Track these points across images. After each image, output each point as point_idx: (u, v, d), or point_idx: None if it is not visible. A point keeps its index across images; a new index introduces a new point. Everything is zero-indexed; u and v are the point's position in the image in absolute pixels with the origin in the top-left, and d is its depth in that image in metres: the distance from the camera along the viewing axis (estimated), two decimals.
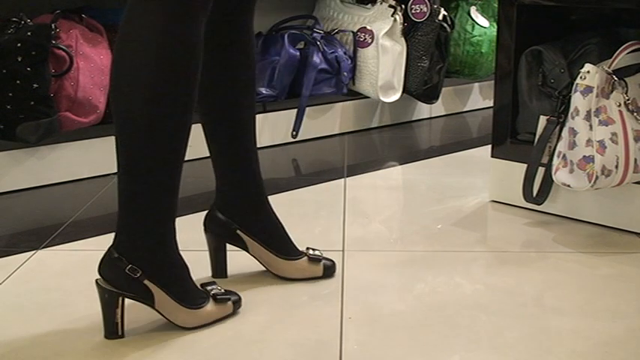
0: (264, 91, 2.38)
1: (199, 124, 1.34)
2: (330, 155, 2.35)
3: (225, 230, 1.36)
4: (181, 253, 1.20)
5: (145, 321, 1.22)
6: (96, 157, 2.03)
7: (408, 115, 2.81)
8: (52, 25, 1.90)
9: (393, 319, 1.25)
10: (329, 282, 1.39)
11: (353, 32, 2.54)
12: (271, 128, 2.43)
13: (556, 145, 1.63)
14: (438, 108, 2.89)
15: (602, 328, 1.22)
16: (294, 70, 2.41)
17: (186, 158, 1.14)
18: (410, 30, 2.58)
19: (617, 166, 1.52)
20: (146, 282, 1.14)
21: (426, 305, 1.30)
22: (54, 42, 1.89)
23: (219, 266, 1.39)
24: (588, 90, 1.53)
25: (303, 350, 1.15)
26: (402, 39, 2.56)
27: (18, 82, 1.83)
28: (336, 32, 2.57)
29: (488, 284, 1.39)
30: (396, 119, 2.77)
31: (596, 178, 1.51)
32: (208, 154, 1.36)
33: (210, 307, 1.22)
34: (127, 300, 1.15)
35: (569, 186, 1.57)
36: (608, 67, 1.54)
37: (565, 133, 1.59)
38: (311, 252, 1.40)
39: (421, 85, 2.63)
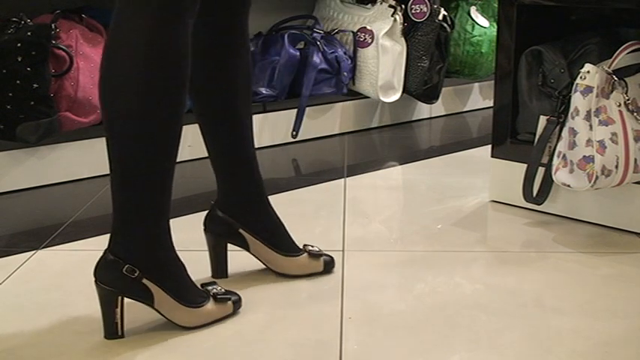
0: (264, 91, 2.38)
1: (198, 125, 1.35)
2: (330, 155, 2.35)
3: (227, 229, 1.36)
4: (181, 253, 1.20)
5: (145, 321, 1.22)
6: (96, 157, 2.03)
7: (408, 115, 2.81)
8: (52, 25, 1.90)
9: (393, 319, 1.25)
10: (329, 281, 1.39)
11: (353, 32, 2.54)
12: (271, 128, 2.43)
13: (556, 145, 1.63)
14: (438, 108, 2.89)
15: (602, 328, 1.22)
16: (294, 70, 2.41)
17: (186, 158, 1.14)
18: (410, 30, 2.58)
19: (617, 166, 1.52)
20: (144, 281, 1.14)
21: (426, 305, 1.30)
22: (54, 42, 1.90)
23: (219, 266, 1.39)
24: (588, 90, 1.53)
25: (303, 350, 1.15)
26: (402, 39, 2.56)
27: (18, 82, 1.83)
28: (336, 32, 2.57)
29: (488, 284, 1.39)
30: (396, 119, 2.77)
31: (596, 178, 1.51)
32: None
33: (210, 306, 1.22)
34: (126, 300, 1.15)
35: (569, 186, 1.57)
36: (608, 67, 1.54)
37: (565, 133, 1.59)
38: (309, 248, 1.41)
39: (421, 85, 2.63)
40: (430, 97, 2.69)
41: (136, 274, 1.13)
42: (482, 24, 2.77)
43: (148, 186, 1.12)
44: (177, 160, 1.15)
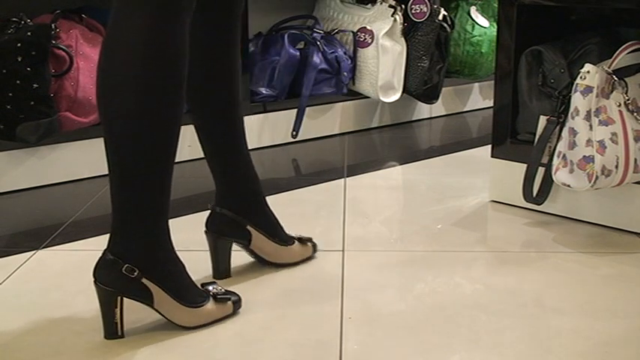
0: (264, 91, 2.38)
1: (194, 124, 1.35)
2: (330, 155, 2.35)
3: (234, 226, 1.37)
4: (181, 253, 1.20)
5: (145, 321, 1.22)
6: (96, 157, 2.03)
7: (408, 115, 2.81)
8: (52, 25, 1.90)
9: (393, 319, 1.25)
10: (329, 281, 1.39)
11: (353, 32, 2.54)
12: (271, 128, 2.43)
13: (556, 145, 1.63)
14: (438, 108, 2.89)
15: (602, 328, 1.22)
16: (294, 70, 2.41)
17: (185, 158, 1.14)
18: (410, 30, 2.58)
19: (617, 166, 1.52)
20: (144, 280, 1.14)
21: (426, 305, 1.30)
22: (54, 42, 1.90)
23: (222, 266, 1.39)
24: (588, 90, 1.53)
25: (303, 350, 1.15)
26: (402, 39, 2.56)
27: (18, 82, 1.83)
28: (336, 32, 2.57)
29: (488, 284, 1.39)
30: (396, 119, 2.77)
31: (596, 178, 1.51)
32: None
33: (210, 306, 1.22)
34: (126, 300, 1.15)
35: (569, 186, 1.57)
36: (608, 67, 1.54)
37: (565, 133, 1.59)
38: (293, 234, 1.47)
39: (421, 85, 2.63)
40: (430, 97, 2.69)
41: (135, 274, 1.13)
42: (482, 24, 2.77)
43: (147, 186, 1.12)
44: (177, 160, 1.15)
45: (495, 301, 1.31)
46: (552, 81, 1.69)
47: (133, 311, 1.19)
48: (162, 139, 1.11)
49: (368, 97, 2.60)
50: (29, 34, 1.83)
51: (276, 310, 1.28)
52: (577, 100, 1.54)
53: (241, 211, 1.37)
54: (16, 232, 1.69)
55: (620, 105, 1.54)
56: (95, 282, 1.15)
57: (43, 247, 1.56)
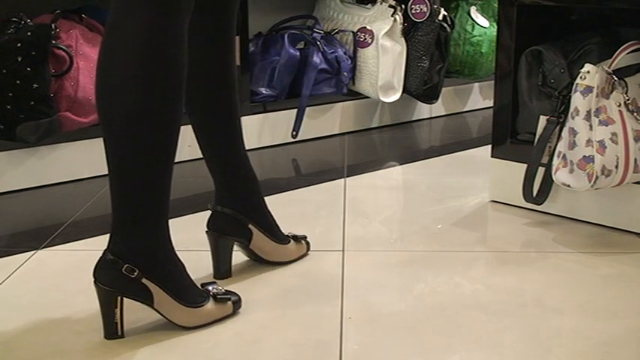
0: (264, 91, 2.38)
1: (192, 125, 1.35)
2: (330, 155, 2.35)
3: (236, 226, 1.37)
4: (181, 253, 1.20)
5: (145, 321, 1.22)
6: (96, 157, 2.03)
7: (408, 115, 2.81)
8: (52, 25, 1.90)
9: (393, 319, 1.25)
10: (329, 281, 1.39)
11: (353, 32, 2.54)
12: (271, 128, 2.43)
13: (556, 145, 1.63)
14: (438, 108, 2.89)
15: (602, 328, 1.22)
16: (294, 70, 2.41)
17: (185, 158, 1.14)
18: (410, 30, 2.58)
19: (617, 166, 1.52)
20: (144, 280, 1.14)
21: (426, 305, 1.30)
22: (54, 42, 1.90)
23: (223, 267, 1.39)
24: (588, 90, 1.53)
25: (303, 350, 1.15)
26: (402, 39, 2.56)
27: (18, 82, 1.83)
28: (336, 32, 2.57)
29: (488, 284, 1.39)
30: (396, 119, 2.77)
31: (596, 178, 1.51)
32: None
33: (210, 306, 1.22)
34: (126, 300, 1.15)
35: (569, 186, 1.57)
36: (608, 67, 1.54)
37: (565, 133, 1.59)
38: (287, 233, 1.48)
39: (421, 85, 2.63)
40: (430, 97, 2.69)
41: (135, 274, 1.13)
42: (482, 24, 2.77)
43: (147, 186, 1.12)
44: (177, 160, 1.15)
45: (495, 301, 1.31)
46: (552, 81, 1.69)
47: (133, 311, 1.19)
48: (162, 139, 1.11)
49: (368, 97, 2.60)
50: (29, 34, 1.83)
51: (276, 310, 1.28)
52: (577, 100, 1.54)
53: (242, 211, 1.37)
54: (16, 232, 1.69)
55: (620, 105, 1.54)
56: (95, 282, 1.15)
57: (43, 247, 1.56)
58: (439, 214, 1.77)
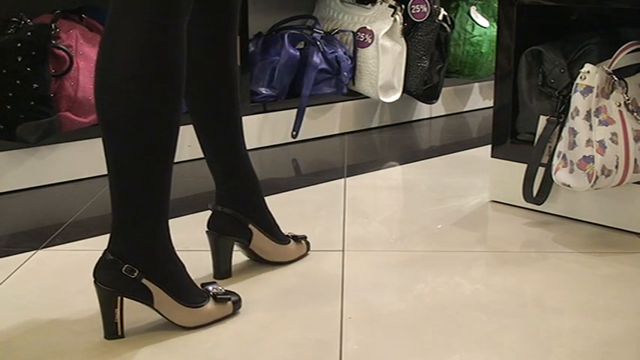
0: (264, 91, 2.38)
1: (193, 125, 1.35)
2: (330, 155, 2.35)
3: (236, 225, 1.37)
4: (181, 253, 1.20)
5: (145, 321, 1.22)
6: (96, 157, 2.03)
7: (408, 115, 2.81)
8: (52, 25, 1.90)
9: (393, 319, 1.25)
10: (329, 281, 1.39)
11: (353, 32, 2.54)
12: (271, 128, 2.43)
13: (556, 145, 1.63)
14: (438, 108, 2.89)
15: (602, 328, 1.22)
16: (294, 70, 2.41)
17: (185, 158, 1.14)
18: (410, 30, 2.58)
19: (617, 166, 1.52)
20: (144, 281, 1.14)
21: (426, 305, 1.30)
22: (54, 42, 1.90)
23: (223, 267, 1.39)
24: (588, 90, 1.53)
25: (303, 350, 1.15)
26: (402, 39, 2.56)
27: (18, 82, 1.83)
28: (336, 32, 2.57)
29: (488, 284, 1.39)
30: (396, 119, 2.77)
31: (596, 178, 1.51)
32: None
33: (210, 306, 1.22)
34: (126, 300, 1.15)
35: (569, 186, 1.57)
36: (608, 67, 1.54)
37: (565, 133, 1.59)
38: (287, 233, 1.47)
39: (421, 85, 2.63)
40: (430, 97, 2.69)
41: (135, 274, 1.13)
42: (482, 24, 2.77)
43: (147, 186, 1.12)
44: (177, 160, 1.15)
45: (495, 301, 1.31)
46: (552, 81, 1.69)
47: (133, 311, 1.19)
48: (162, 138, 1.11)
49: (368, 97, 2.60)
50: (29, 34, 1.83)
51: (276, 310, 1.28)
52: (577, 100, 1.54)
53: (242, 211, 1.37)
54: (16, 232, 1.69)
55: (620, 105, 1.54)
56: (95, 282, 1.15)
57: (43, 247, 1.56)
58: (439, 214, 1.77)
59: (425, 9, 2.56)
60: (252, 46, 2.44)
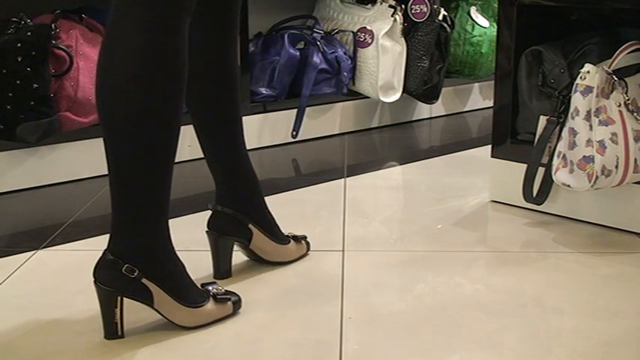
0: (264, 91, 2.38)
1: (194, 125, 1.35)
2: (330, 155, 2.35)
3: (236, 225, 1.38)
4: (181, 253, 1.20)
5: (145, 321, 1.22)
6: (96, 157, 2.03)
7: (408, 115, 2.81)
8: (52, 25, 1.90)
9: (393, 319, 1.25)
10: (329, 281, 1.39)
11: (353, 32, 2.54)
12: (271, 128, 2.43)
13: (556, 145, 1.63)
14: (438, 108, 2.89)
15: (602, 328, 1.22)
16: (294, 70, 2.41)
17: (185, 158, 1.14)
18: (410, 30, 2.58)
19: (617, 166, 1.52)
20: (144, 280, 1.14)
21: (426, 305, 1.30)
22: (54, 42, 1.89)
23: (223, 267, 1.39)
24: (588, 90, 1.53)
25: (303, 350, 1.15)
26: (402, 39, 2.56)
27: (18, 82, 1.83)
28: (336, 32, 2.57)
29: (488, 284, 1.39)
30: (396, 119, 2.77)
31: (596, 178, 1.51)
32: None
33: (210, 306, 1.22)
34: (126, 300, 1.15)
35: (569, 186, 1.57)
36: (608, 67, 1.54)
37: (565, 133, 1.59)
38: (287, 233, 1.48)
39: (421, 85, 2.63)
40: (430, 97, 2.69)
41: (135, 274, 1.13)
42: (482, 24, 2.77)
43: (147, 186, 1.12)
44: (177, 160, 1.15)
45: (495, 301, 1.31)
46: (552, 81, 1.69)
47: (133, 311, 1.19)
48: (162, 139, 1.11)
49: (368, 97, 2.60)
50: (29, 34, 1.83)
51: (276, 311, 1.28)
52: (577, 100, 1.54)
53: (242, 210, 1.38)
54: (16, 232, 1.69)
55: (620, 105, 1.54)
56: (95, 282, 1.15)
57: (43, 247, 1.56)
58: (439, 214, 1.77)
59: (425, 9, 2.56)
60: (252, 46, 2.44)
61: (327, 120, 2.56)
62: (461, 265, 1.48)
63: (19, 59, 1.82)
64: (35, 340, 1.18)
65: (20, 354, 1.14)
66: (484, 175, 1.96)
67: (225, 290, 1.26)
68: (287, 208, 1.79)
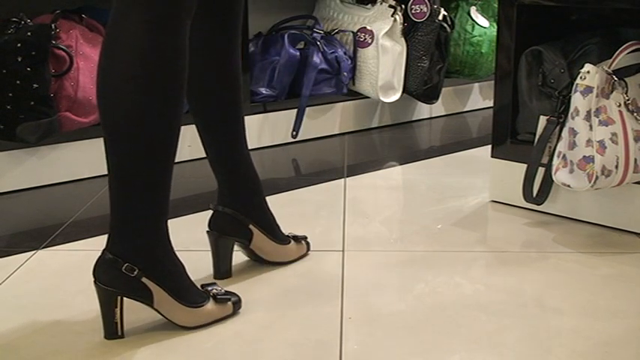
0: (264, 91, 2.38)
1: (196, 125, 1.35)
2: (330, 155, 2.35)
3: (236, 225, 1.38)
4: (181, 253, 1.20)
5: (145, 321, 1.22)
6: (96, 157, 2.03)
7: (408, 115, 2.81)
8: (52, 25, 1.90)
9: (393, 319, 1.25)
10: (329, 281, 1.39)
11: (353, 32, 2.54)
12: (271, 128, 2.43)
13: (556, 145, 1.63)
14: (438, 108, 2.89)
15: (602, 328, 1.22)
16: (294, 70, 2.41)
17: (185, 158, 1.14)
18: (410, 30, 2.58)
19: (617, 166, 1.52)
20: (144, 280, 1.14)
21: (426, 305, 1.30)
22: (54, 42, 1.90)
23: (223, 267, 1.39)
24: (588, 90, 1.53)
25: (303, 350, 1.15)
26: (402, 39, 2.56)
27: (18, 82, 1.83)
28: (336, 32, 2.57)
29: (488, 284, 1.39)
30: (396, 119, 2.77)
31: (596, 178, 1.51)
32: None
33: (210, 306, 1.22)
34: (126, 300, 1.15)
35: (569, 186, 1.57)
36: (608, 67, 1.54)
37: (565, 133, 1.59)
38: (287, 233, 1.48)
39: (421, 85, 2.63)
40: (430, 97, 2.69)
41: (135, 273, 1.13)
42: (482, 24, 2.77)
43: (147, 185, 1.12)
44: (177, 160, 1.15)
45: (495, 301, 1.31)
46: (552, 81, 1.69)
47: (133, 311, 1.19)
48: (162, 139, 1.11)
49: (368, 97, 2.60)
50: (29, 34, 1.83)
51: (276, 311, 1.28)
52: (577, 100, 1.54)
53: (243, 211, 1.38)
54: (16, 232, 1.69)
55: (620, 105, 1.54)
56: (95, 282, 1.15)
57: (43, 247, 1.56)
58: (439, 214, 1.77)
59: (425, 9, 2.56)
60: (252, 46, 2.44)
61: (327, 120, 2.56)
62: (461, 265, 1.48)
63: (19, 59, 1.82)
64: (35, 340, 1.18)
65: (20, 354, 1.14)
66: (484, 175, 1.96)
67: (225, 291, 1.26)
68: (287, 208, 1.80)
